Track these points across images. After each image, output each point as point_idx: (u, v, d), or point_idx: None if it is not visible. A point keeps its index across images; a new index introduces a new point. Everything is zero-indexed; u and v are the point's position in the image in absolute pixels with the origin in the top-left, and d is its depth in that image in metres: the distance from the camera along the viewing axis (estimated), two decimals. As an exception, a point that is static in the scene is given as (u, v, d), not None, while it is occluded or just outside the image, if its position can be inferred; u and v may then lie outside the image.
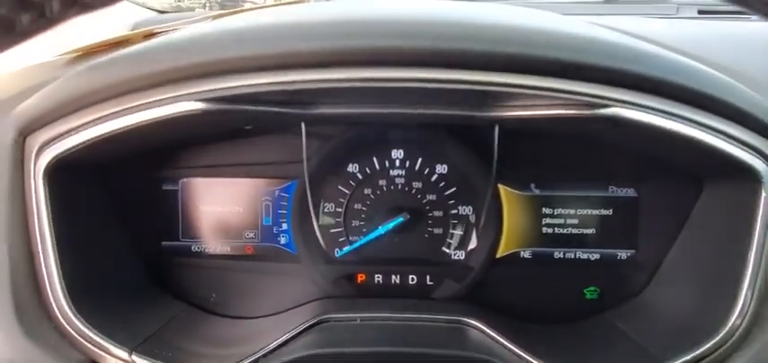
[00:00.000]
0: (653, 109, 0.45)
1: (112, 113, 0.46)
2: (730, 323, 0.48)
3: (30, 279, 0.48)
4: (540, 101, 0.45)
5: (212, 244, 0.65)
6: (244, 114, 0.46)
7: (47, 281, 0.48)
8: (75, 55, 0.63)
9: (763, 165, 0.48)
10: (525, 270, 0.64)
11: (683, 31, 0.73)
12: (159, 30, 0.66)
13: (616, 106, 0.44)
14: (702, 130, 0.46)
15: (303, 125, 0.54)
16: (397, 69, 0.42)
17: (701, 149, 0.47)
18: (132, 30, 0.83)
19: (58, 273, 0.48)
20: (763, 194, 0.47)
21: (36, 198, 0.48)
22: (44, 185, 0.48)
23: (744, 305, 0.48)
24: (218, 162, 0.64)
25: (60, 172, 0.49)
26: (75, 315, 0.48)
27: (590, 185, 0.63)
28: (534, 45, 0.43)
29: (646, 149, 0.56)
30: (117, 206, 0.60)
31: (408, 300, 0.62)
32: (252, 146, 0.63)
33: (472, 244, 0.63)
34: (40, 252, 0.48)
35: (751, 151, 0.48)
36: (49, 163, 0.48)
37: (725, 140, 0.47)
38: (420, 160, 0.63)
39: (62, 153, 0.48)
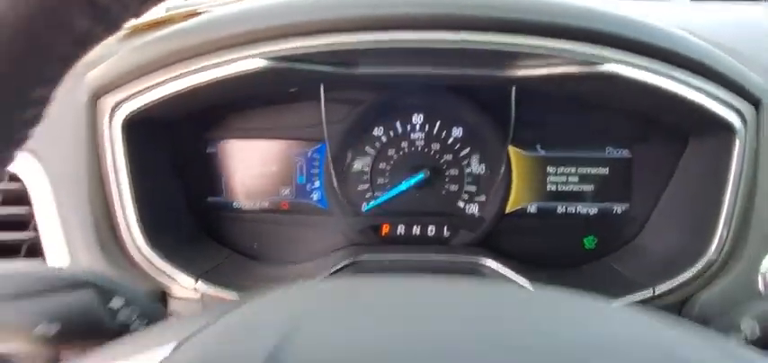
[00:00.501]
0: (645, 68, 0.53)
1: (182, 74, 0.54)
2: (708, 257, 0.57)
3: (107, 220, 0.56)
4: (552, 60, 0.53)
5: (252, 200, 0.72)
6: (299, 74, 0.54)
7: (124, 222, 0.56)
8: (124, 33, 0.70)
9: (739, 121, 0.56)
10: (531, 222, 0.72)
11: (675, 12, 0.81)
12: (200, 10, 0.73)
13: (613, 63, 0.52)
14: (688, 88, 0.54)
15: (321, 90, 0.62)
16: (433, 31, 0.51)
17: (687, 106, 0.55)
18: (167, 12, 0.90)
19: (136, 214, 0.56)
20: (737, 144, 0.56)
21: (113, 149, 0.56)
22: (122, 138, 0.56)
23: (720, 241, 0.57)
24: (258, 126, 0.71)
25: (132, 129, 0.57)
26: (150, 249, 0.56)
27: (589, 147, 0.71)
28: (549, 12, 0.51)
29: (638, 107, 0.64)
30: (172, 163, 0.67)
31: (428, 246, 0.70)
32: (288, 112, 0.71)
33: (484, 199, 0.72)
34: (118, 197, 0.56)
35: (729, 108, 0.56)
36: (124, 118, 0.56)
37: (707, 97, 0.55)
38: (438, 123, 0.71)
39: (135, 110, 0.56)
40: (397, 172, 0.71)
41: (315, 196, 0.72)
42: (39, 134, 0.27)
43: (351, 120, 0.70)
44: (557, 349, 0.24)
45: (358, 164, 0.72)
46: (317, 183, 0.72)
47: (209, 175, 0.72)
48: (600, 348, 0.25)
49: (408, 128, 0.71)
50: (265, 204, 0.72)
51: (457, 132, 0.71)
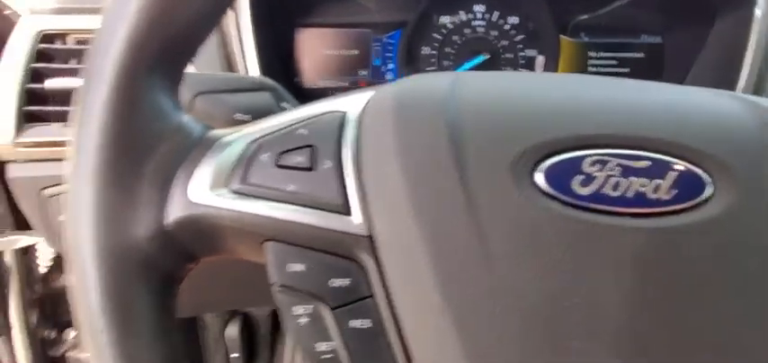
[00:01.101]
0: None
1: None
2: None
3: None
4: None
5: (335, 80, 0.84)
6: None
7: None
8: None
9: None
10: (575, 101, 0.84)
11: None
12: None
13: None
14: None
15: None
16: None
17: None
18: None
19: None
20: (757, 14, 0.67)
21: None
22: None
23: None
24: (338, 16, 0.83)
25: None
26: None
27: (626, 34, 0.83)
28: None
29: None
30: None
31: None
32: (365, 5, 0.82)
33: (535, 80, 0.83)
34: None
35: None
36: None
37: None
38: (496, 13, 0.82)
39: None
40: (460, 54, 0.83)
41: (388, 77, 0.84)
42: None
43: (420, 10, 0.81)
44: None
45: (426, 49, 0.83)
46: (390, 65, 0.84)
47: (297, 57, 0.83)
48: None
49: (470, 16, 0.82)
50: (346, 83, 0.84)
51: (513, 20, 0.82)
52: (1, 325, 1.01)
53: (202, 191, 0.32)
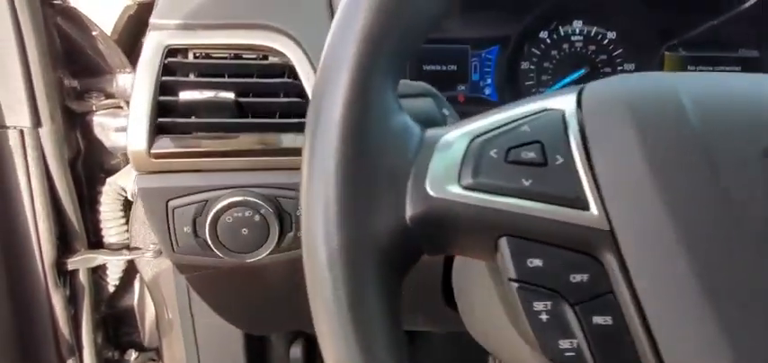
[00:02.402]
0: None
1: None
2: None
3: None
4: None
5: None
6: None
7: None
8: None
9: None
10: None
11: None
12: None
13: None
14: None
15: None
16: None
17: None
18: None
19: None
20: None
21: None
22: None
23: None
24: (438, 33, 0.84)
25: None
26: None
27: (723, 48, 0.83)
28: None
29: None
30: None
31: None
32: (462, 20, 0.84)
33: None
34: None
35: None
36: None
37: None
38: (595, 28, 0.83)
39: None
40: (558, 70, 0.84)
41: (486, 91, 0.85)
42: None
43: (521, 26, 0.83)
44: None
45: (525, 65, 0.84)
46: (488, 80, 0.85)
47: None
48: None
49: (569, 31, 0.84)
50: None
51: (611, 35, 0.83)
52: (72, 346, 1.02)
53: (439, 187, 0.33)
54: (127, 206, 0.99)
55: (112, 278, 1.06)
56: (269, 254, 0.62)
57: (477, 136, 0.34)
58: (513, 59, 0.83)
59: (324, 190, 0.32)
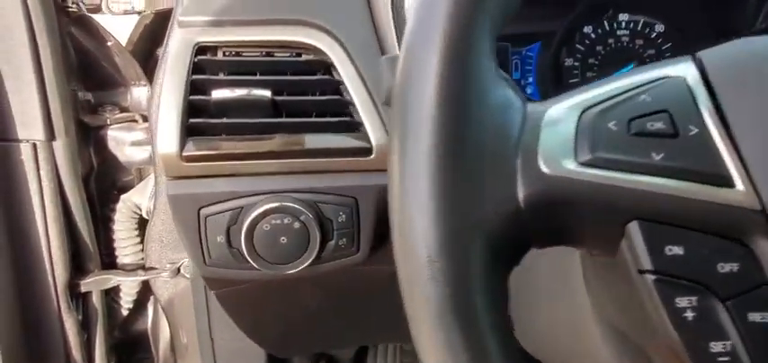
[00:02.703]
0: None
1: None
2: None
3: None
4: None
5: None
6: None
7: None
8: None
9: None
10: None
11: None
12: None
13: None
14: None
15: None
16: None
17: None
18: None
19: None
20: None
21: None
22: None
23: None
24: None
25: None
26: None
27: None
28: None
29: None
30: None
31: None
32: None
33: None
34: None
35: None
36: None
37: None
38: (641, 21, 0.79)
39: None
40: (604, 66, 0.79)
41: (528, 90, 0.80)
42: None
43: (565, 22, 0.78)
44: None
45: (569, 61, 0.80)
46: (530, 78, 0.80)
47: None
48: None
49: (615, 25, 0.79)
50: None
51: (659, 28, 0.79)
52: (85, 371, 0.97)
53: (556, 164, 0.28)
54: (141, 224, 0.94)
55: (126, 301, 1.01)
56: (309, 265, 0.57)
57: (588, 107, 0.30)
58: (555, 56, 0.78)
59: (421, 179, 0.27)
